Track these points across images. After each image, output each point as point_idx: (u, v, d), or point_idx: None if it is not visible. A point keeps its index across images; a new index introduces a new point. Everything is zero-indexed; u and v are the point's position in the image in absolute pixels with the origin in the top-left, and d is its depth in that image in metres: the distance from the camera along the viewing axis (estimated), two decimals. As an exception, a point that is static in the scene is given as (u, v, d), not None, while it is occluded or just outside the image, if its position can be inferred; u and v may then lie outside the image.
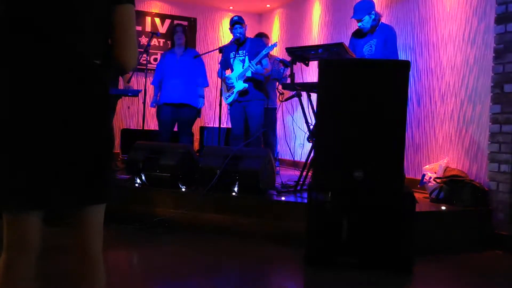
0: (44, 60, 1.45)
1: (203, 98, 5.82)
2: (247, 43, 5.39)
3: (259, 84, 5.40)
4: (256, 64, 5.18)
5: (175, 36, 5.83)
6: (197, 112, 5.80)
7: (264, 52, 5.15)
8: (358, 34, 4.70)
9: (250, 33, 5.60)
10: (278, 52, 7.92)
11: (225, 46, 5.61)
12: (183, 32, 5.76)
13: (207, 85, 5.91)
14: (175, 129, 5.91)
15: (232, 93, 5.37)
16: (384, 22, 4.75)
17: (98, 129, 1.51)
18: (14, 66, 1.45)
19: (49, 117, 1.43)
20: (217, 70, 6.30)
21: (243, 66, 5.30)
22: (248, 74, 5.27)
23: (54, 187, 1.43)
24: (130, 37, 1.56)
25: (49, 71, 1.45)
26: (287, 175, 5.44)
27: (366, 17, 4.48)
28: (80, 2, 1.49)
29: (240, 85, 5.31)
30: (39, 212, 1.51)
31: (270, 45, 5.27)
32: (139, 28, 8.16)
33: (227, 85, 5.47)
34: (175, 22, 8.38)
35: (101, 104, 1.53)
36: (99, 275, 1.55)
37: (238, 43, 5.41)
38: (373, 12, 4.50)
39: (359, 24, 4.54)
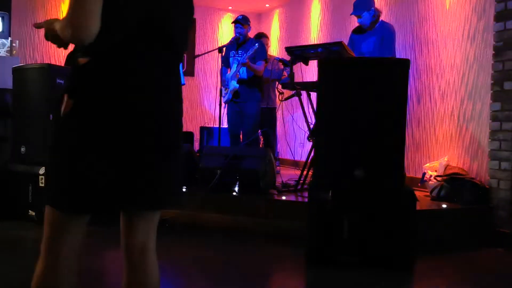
0: (163, 71, 1.45)
1: None
2: (248, 44, 5.35)
3: (254, 84, 5.37)
4: (247, 59, 5.14)
5: None
6: None
7: (251, 51, 5.13)
8: (358, 31, 4.71)
9: (249, 33, 5.57)
10: (277, 51, 7.93)
11: (226, 45, 5.58)
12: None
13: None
14: None
15: (227, 93, 5.37)
16: (384, 20, 4.76)
17: (176, 134, 1.50)
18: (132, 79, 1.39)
19: (142, 123, 1.39)
20: (216, 70, 6.30)
21: (238, 66, 5.30)
22: (243, 75, 5.26)
23: (135, 188, 1.42)
24: None
25: (163, 83, 1.45)
26: (287, 174, 5.43)
27: (365, 14, 4.51)
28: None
29: (232, 85, 5.31)
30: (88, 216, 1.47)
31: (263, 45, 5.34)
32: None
33: (224, 84, 5.46)
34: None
35: (180, 112, 1.54)
36: (155, 276, 1.57)
37: (238, 43, 5.39)
38: (373, 8, 4.53)
39: (359, 20, 4.57)
